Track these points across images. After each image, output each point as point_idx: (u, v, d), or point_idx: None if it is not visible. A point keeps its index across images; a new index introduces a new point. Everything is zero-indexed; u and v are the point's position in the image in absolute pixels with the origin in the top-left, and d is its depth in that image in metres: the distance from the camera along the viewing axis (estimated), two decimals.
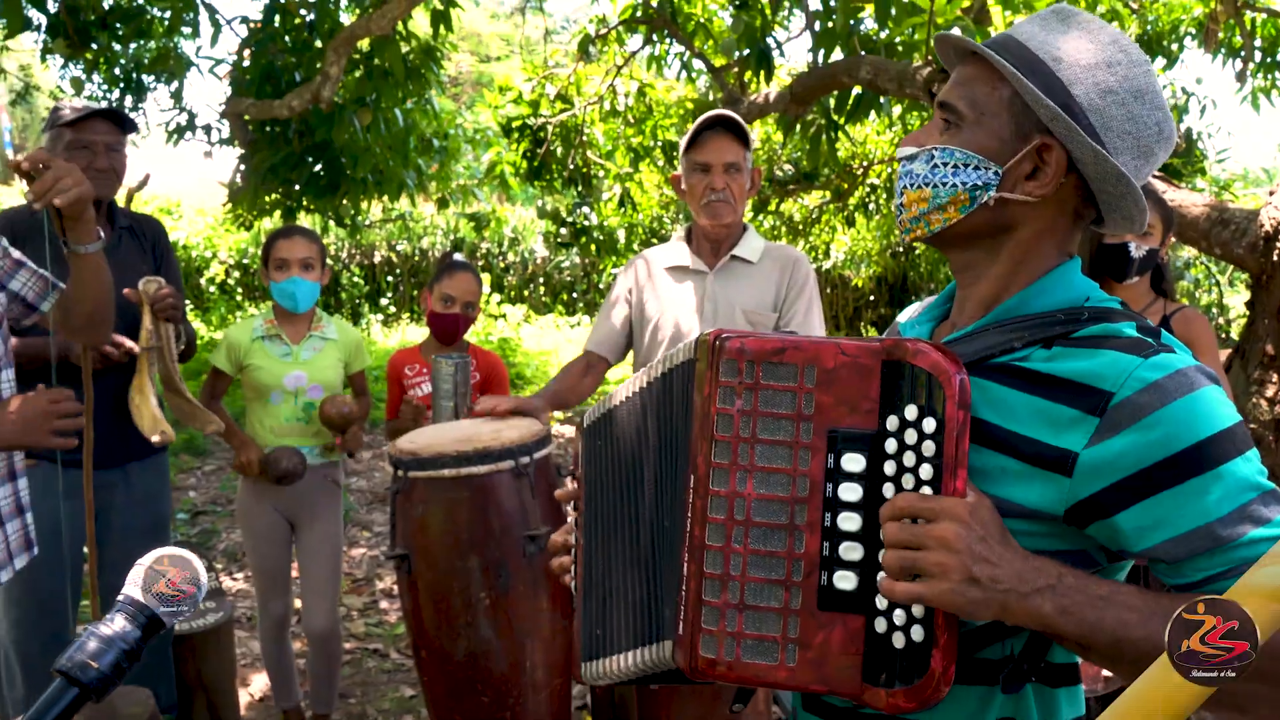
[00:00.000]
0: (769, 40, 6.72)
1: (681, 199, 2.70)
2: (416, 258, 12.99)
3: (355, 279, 12.80)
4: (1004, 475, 1.00)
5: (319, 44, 6.43)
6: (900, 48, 5.77)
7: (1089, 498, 0.97)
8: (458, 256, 3.35)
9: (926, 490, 0.94)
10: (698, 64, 7.86)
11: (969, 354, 1.05)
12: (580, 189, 8.76)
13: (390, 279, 12.98)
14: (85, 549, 2.74)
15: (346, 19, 6.77)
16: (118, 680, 0.88)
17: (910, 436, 0.96)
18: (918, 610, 0.93)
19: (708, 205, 2.57)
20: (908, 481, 0.96)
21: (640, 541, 1.17)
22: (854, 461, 0.98)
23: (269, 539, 3.11)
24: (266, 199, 7.49)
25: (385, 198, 7.58)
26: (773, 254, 2.67)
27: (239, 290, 12.75)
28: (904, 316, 1.37)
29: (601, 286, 12.45)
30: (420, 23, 7.28)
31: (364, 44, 6.29)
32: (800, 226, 10.30)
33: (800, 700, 1.16)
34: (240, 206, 7.79)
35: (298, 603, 3.52)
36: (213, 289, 12.64)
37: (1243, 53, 8.02)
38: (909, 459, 0.96)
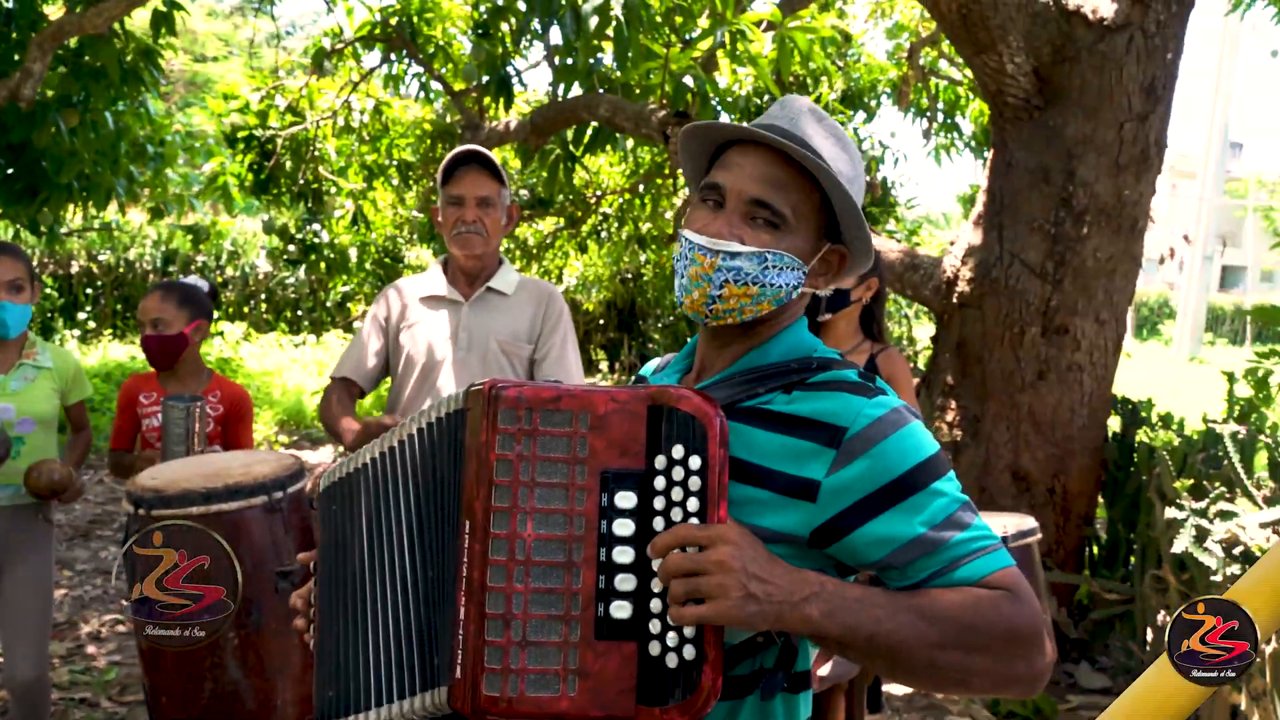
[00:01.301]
0: (509, 68, 6.82)
1: (439, 231, 2.74)
2: (122, 269, 11.99)
3: (48, 290, 11.62)
4: (757, 505, 1.14)
5: (15, 35, 5.86)
6: (637, 89, 6.05)
7: (830, 519, 1.13)
8: (193, 279, 3.16)
9: (694, 521, 1.06)
10: (436, 86, 7.85)
11: (720, 400, 1.18)
12: (310, 205, 8.47)
13: (90, 291, 11.89)
14: None
15: (51, 11, 6.22)
16: None
17: (678, 473, 1.07)
18: (689, 631, 1.04)
19: (459, 236, 2.63)
20: (676, 514, 1.07)
21: (395, 597, 1.20)
22: (626, 499, 1.08)
23: None
24: None
25: (92, 205, 6.98)
26: (528, 287, 2.76)
27: None
28: (649, 369, 1.51)
29: (329, 305, 12.05)
30: (138, 19, 6.80)
31: (72, 40, 5.80)
32: (534, 251, 10.47)
33: None
34: None
35: None
36: None
37: (928, 113, 9.05)
38: (676, 494, 1.07)
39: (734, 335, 1.26)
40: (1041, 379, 4.30)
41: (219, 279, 12.37)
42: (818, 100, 8.22)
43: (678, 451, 1.07)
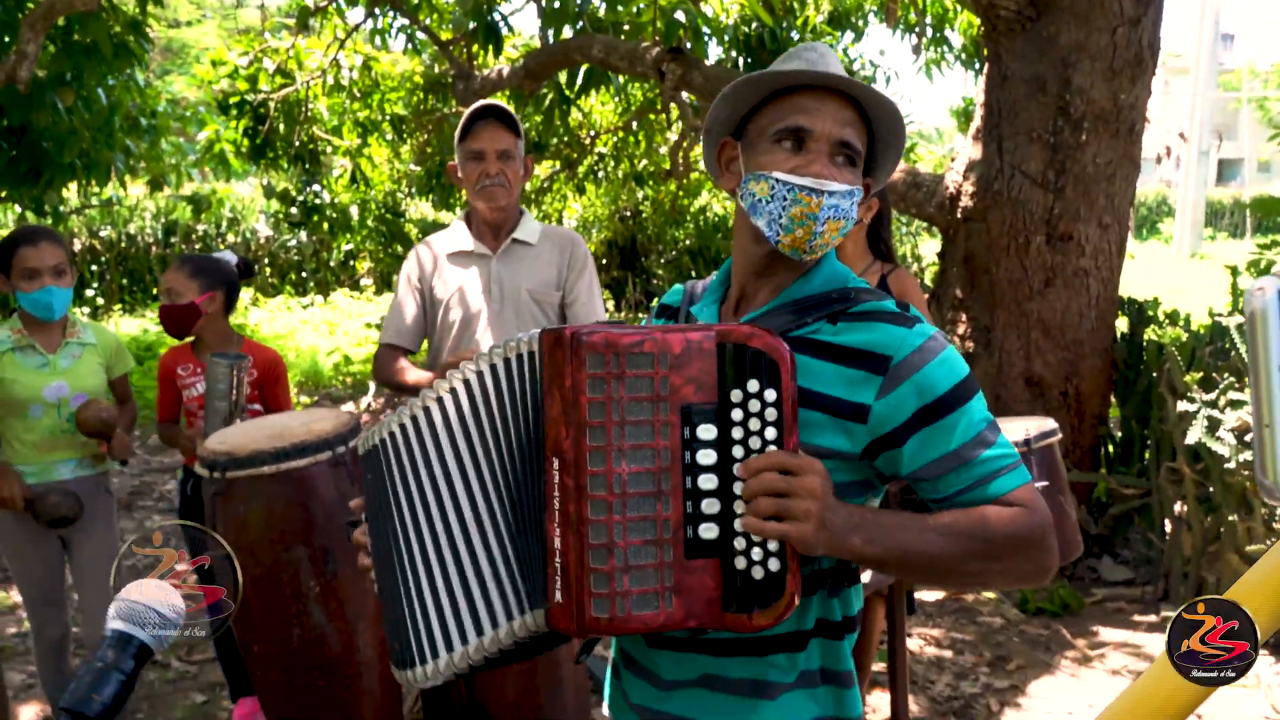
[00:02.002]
0: (496, 14, 6.79)
1: (458, 187, 2.81)
2: (124, 244, 12.03)
3: None
4: (814, 427, 1.25)
5: (4, 17, 5.84)
6: (627, 26, 6.05)
7: (879, 438, 1.26)
8: (224, 253, 3.25)
9: (772, 449, 1.17)
10: (423, 37, 7.82)
11: (774, 325, 1.29)
12: (307, 166, 8.49)
13: (95, 268, 11.95)
14: None
15: None
16: (119, 708, 0.94)
17: (754, 405, 1.17)
18: (772, 546, 1.16)
19: (483, 190, 2.70)
20: (754, 443, 1.17)
21: (467, 532, 1.28)
22: (707, 430, 1.18)
23: (39, 560, 2.96)
24: None
25: (93, 182, 7.02)
26: (550, 235, 2.84)
27: None
28: (675, 296, 1.56)
29: (333, 264, 12.11)
30: None
31: (60, 19, 5.79)
32: (532, 196, 10.48)
33: (642, 638, 1.36)
34: None
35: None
36: None
37: (916, 29, 8.99)
38: (754, 424, 1.18)
39: (779, 266, 1.36)
40: (1049, 286, 4.39)
41: (221, 247, 12.40)
42: (804, 24, 8.18)
43: (753, 385, 1.17)
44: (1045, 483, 2.57)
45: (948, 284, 4.73)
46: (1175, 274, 15.35)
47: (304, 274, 12.41)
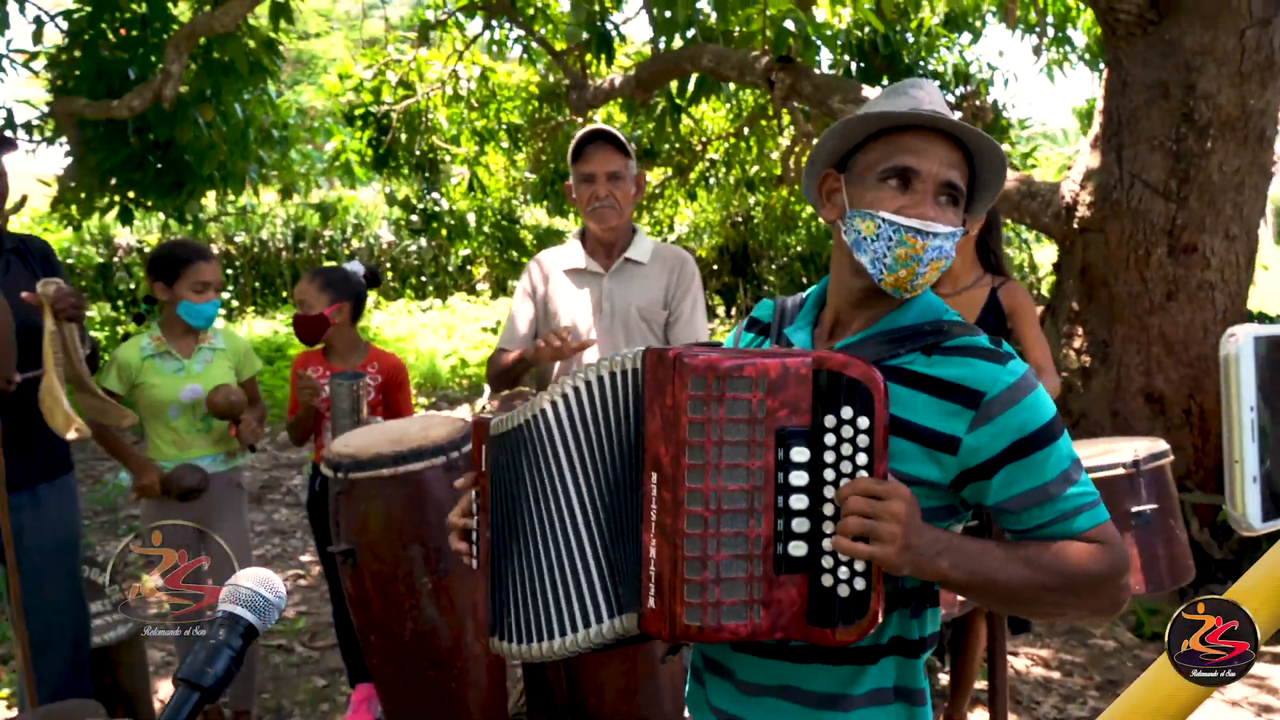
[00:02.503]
0: (608, 24, 6.92)
1: (573, 206, 2.91)
2: (256, 249, 12.66)
3: None
4: (905, 455, 1.29)
5: (152, 39, 6.24)
6: (737, 34, 6.09)
7: (968, 470, 1.30)
8: (353, 264, 3.43)
9: (862, 474, 1.21)
10: (538, 47, 8.02)
11: (868, 354, 1.33)
12: (427, 175, 8.80)
13: (230, 272, 12.60)
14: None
15: (174, 8, 6.58)
16: (229, 681, 1.06)
17: (846, 431, 1.22)
18: (859, 566, 1.20)
19: (594, 212, 2.80)
20: (845, 467, 1.22)
21: (569, 533, 1.35)
22: (800, 453, 1.23)
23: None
24: (102, 199, 7.22)
25: (229, 192, 7.43)
26: (661, 254, 2.92)
27: None
28: (765, 310, 1.60)
29: (451, 269, 12.48)
30: (258, 10, 7.15)
31: (201, 38, 6.16)
32: (644, 202, 10.61)
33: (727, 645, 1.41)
34: (70, 206, 7.47)
35: None
36: None
37: (1037, 29, 8.77)
38: (846, 449, 1.22)
39: (877, 299, 1.39)
40: (1171, 299, 4.26)
41: (346, 251, 12.92)
42: (919, 26, 8.07)
43: (846, 412, 1.21)
44: (1154, 505, 2.52)
45: (1064, 296, 4.63)
46: None
47: (424, 278, 12.82)
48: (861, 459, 1.21)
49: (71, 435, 2.67)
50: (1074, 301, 4.56)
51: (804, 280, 10.52)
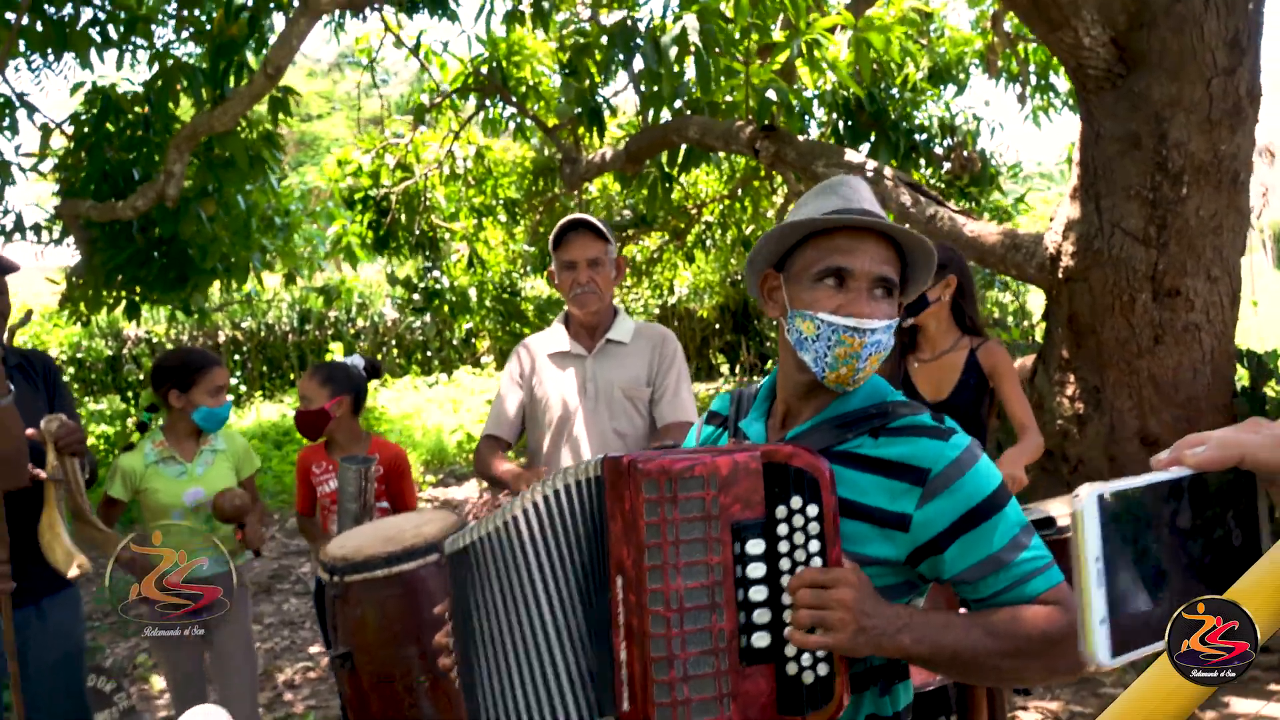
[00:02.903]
0: (598, 98, 7.08)
1: (556, 290, 2.99)
2: (263, 334, 12.81)
3: None
4: (859, 536, 1.34)
5: (156, 139, 6.42)
6: (723, 105, 6.23)
7: (921, 545, 1.34)
8: (352, 358, 3.51)
9: (816, 561, 1.26)
10: (531, 124, 8.20)
11: (816, 445, 1.38)
12: (428, 253, 8.94)
13: (237, 357, 12.75)
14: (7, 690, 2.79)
15: (175, 108, 6.77)
16: None
17: (798, 520, 1.27)
18: (821, 653, 1.25)
19: (576, 297, 2.88)
20: (799, 555, 1.27)
21: (541, 641, 1.38)
22: (755, 545, 1.28)
23: (182, 650, 3.21)
24: (109, 295, 7.37)
25: (234, 281, 7.57)
26: (643, 333, 2.99)
27: (75, 385, 12.25)
28: (721, 403, 1.66)
29: (455, 343, 12.60)
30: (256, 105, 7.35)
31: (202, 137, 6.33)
32: (644, 267, 10.73)
33: None
34: (79, 304, 7.62)
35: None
36: None
37: (1020, 78, 8.93)
38: (799, 538, 1.27)
39: (822, 390, 1.45)
40: (1159, 343, 4.30)
41: (351, 331, 13.06)
42: (904, 82, 8.21)
43: (796, 502, 1.27)
44: None
45: (1054, 344, 4.67)
46: None
47: (428, 353, 12.94)
48: (814, 546, 1.27)
49: (73, 573, 2.73)
50: (1064, 349, 4.60)
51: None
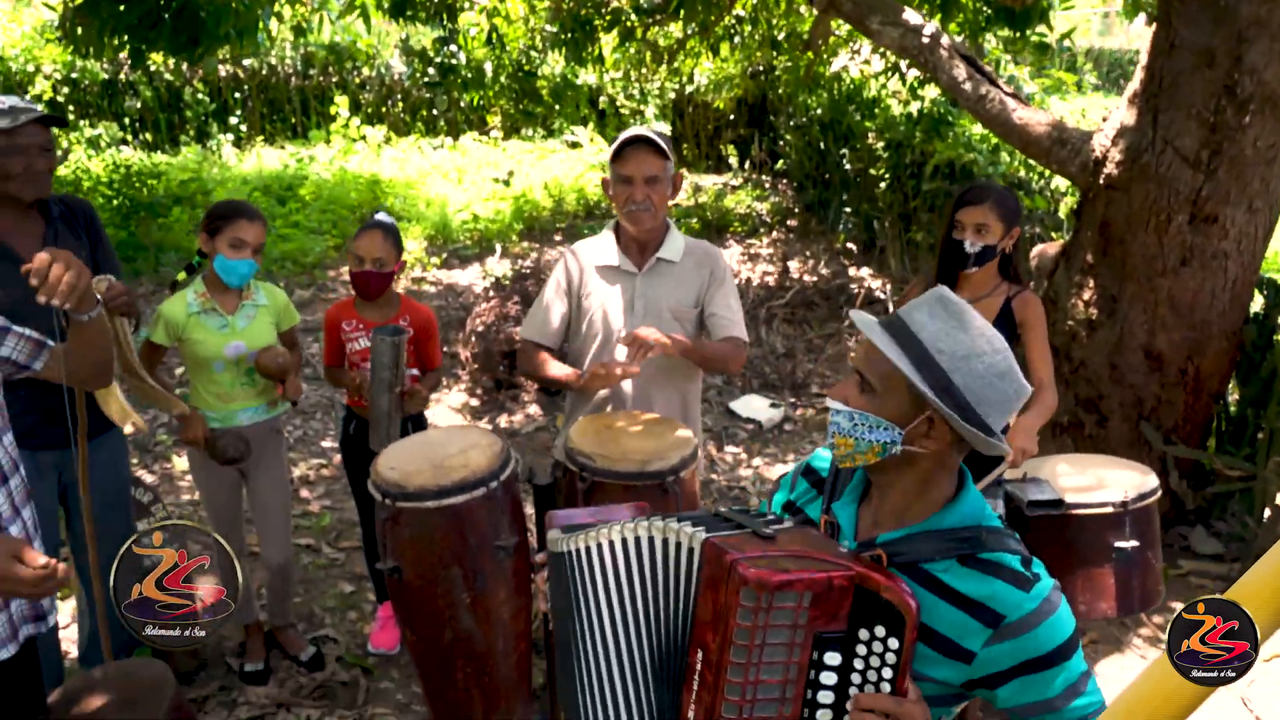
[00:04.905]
0: None
1: (609, 200, 2.95)
2: (265, 73, 12.33)
3: (200, 96, 12.09)
4: (924, 658, 1.46)
5: None
6: None
7: (980, 678, 1.47)
8: (380, 216, 3.48)
9: (885, 687, 1.39)
10: None
11: (906, 555, 1.48)
12: (445, 22, 8.51)
13: (238, 95, 12.33)
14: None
15: None
16: None
17: (876, 646, 1.39)
18: None
19: (630, 214, 2.85)
20: (871, 675, 1.39)
21: (621, 659, 1.56)
22: (832, 657, 1.41)
23: (223, 489, 3.39)
24: (113, 41, 7.04)
25: (244, 47, 7.24)
26: (693, 252, 2.99)
27: (71, 108, 11.88)
28: (821, 459, 1.75)
29: (463, 104, 12.21)
30: None
31: None
32: (665, 55, 10.30)
33: None
34: (81, 44, 7.29)
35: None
36: (40, 107, 11.76)
37: None
38: (874, 661, 1.39)
39: (910, 494, 1.53)
40: (1184, 265, 4.32)
41: (356, 81, 12.58)
42: None
43: (879, 630, 1.38)
44: (1136, 542, 2.72)
45: (1080, 247, 4.67)
46: None
47: (434, 112, 12.56)
48: (887, 673, 1.39)
49: (128, 429, 2.83)
50: (1089, 254, 4.61)
51: (821, 146, 10.32)
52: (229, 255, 3.16)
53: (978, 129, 8.08)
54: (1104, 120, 4.64)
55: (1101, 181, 4.48)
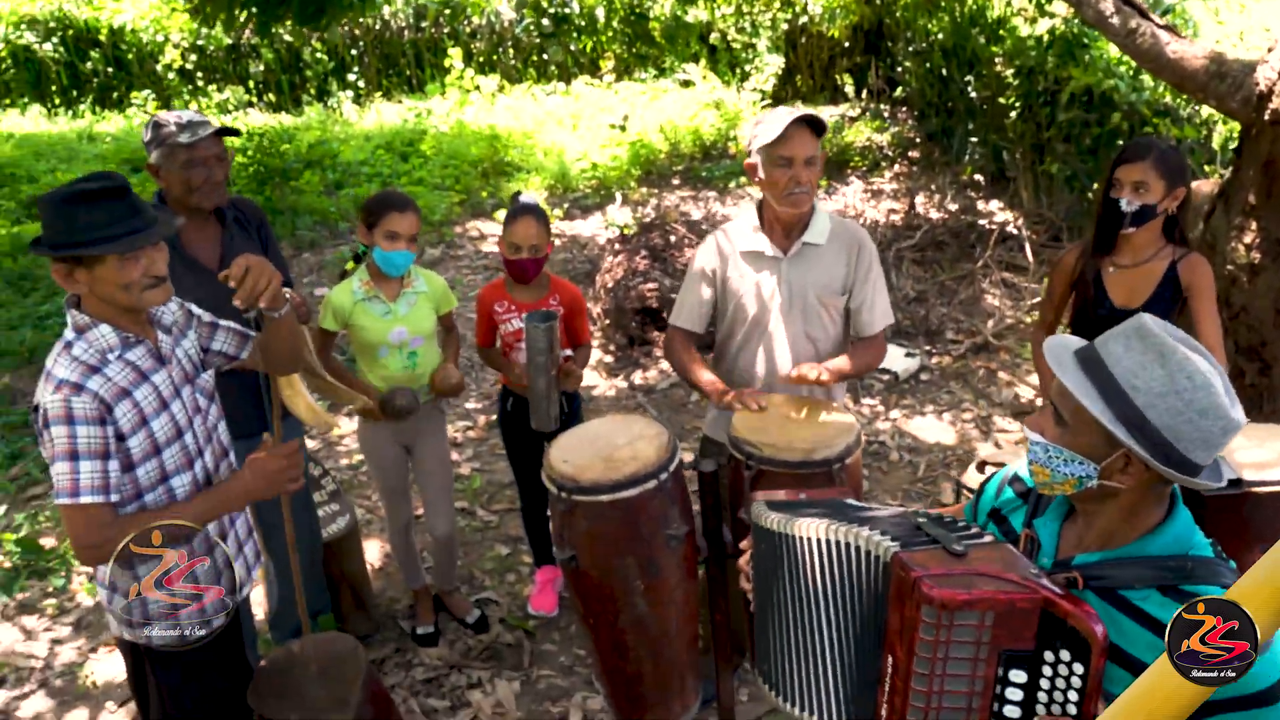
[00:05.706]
0: None
1: (755, 183, 2.92)
2: (379, 28, 12.49)
3: (319, 54, 12.35)
4: (1117, 681, 1.46)
5: None
6: None
7: None
8: (524, 197, 3.55)
9: (1072, 709, 1.41)
10: None
11: (1106, 580, 1.48)
12: None
13: (355, 52, 12.55)
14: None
15: None
16: None
17: (1063, 670, 1.41)
18: None
19: (790, 197, 2.81)
20: (1058, 696, 1.42)
21: (824, 629, 1.66)
22: (1018, 675, 1.44)
23: (391, 463, 3.57)
24: (242, 14, 7.26)
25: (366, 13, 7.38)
26: (839, 235, 2.95)
27: (199, 74, 12.30)
28: (1021, 469, 1.79)
29: (574, 49, 12.14)
30: None
31: None
32: None
33: None
34: (213, 16, 7.52)
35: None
36: (170, 75, 12.22)
37: None
38: (1060, 684, 1.42)
39: (1115, 520, 1.53)
40: None
41: (468, 29, 12.63)
42: None
43: (1065, 655, 1.40)
44: None
45: (1241, 186, 4.44)
46: None
47: (545, 57, 12.54)
48: (1073, 696, 1.42)
49: (317, 430, 3.00)
50: (1251, 194, 4.38)
51: (943, 72, 9.94)
52: (385, 247, 3.27)
53: (1116, 51, 7.67)
54: (1269, 51, 4.36)
55: (1266, 117, 4.23)
